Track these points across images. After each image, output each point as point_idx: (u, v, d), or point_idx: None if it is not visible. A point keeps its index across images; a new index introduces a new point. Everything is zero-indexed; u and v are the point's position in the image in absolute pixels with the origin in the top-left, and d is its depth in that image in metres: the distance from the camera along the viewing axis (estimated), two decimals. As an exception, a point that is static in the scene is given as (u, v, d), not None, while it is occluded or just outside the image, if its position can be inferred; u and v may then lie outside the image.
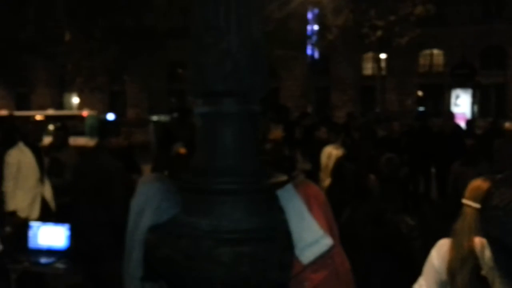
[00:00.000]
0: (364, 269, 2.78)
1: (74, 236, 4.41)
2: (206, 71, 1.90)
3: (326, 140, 6.31)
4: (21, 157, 5.06)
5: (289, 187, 1.82)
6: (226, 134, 1.90)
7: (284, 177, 1.90)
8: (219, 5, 1.88)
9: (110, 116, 20.32)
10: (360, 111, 20.89)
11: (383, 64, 24.63)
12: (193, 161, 1.97)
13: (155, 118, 24.24)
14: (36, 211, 5.07)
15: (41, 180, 5.16)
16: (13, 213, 4.89)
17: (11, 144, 5.34)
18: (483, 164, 5.41)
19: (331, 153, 4.53)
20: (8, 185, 4.92)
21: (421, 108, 26.09)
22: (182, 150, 5.72)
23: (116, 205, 4.10)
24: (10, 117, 11.28)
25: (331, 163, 4.36)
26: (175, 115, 8.43)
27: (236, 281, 1.66)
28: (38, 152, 5.20)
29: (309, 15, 20.07)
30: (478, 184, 1.43)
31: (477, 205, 1.38)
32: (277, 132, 5.77)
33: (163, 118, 22.59)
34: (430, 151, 7.89)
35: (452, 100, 19.12)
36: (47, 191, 5.24)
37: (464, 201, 1.46)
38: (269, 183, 1.87)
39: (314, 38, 20.50)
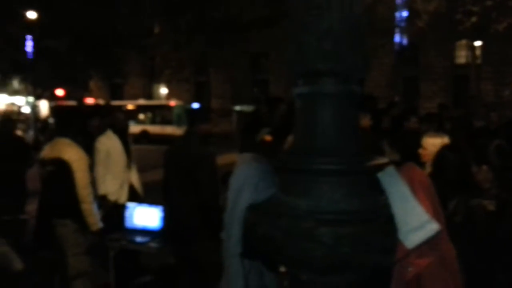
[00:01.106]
0: (485, 265, 2.62)
1: (166, 217, 4.60)
2: (306, 50, 1.88)
3: (416, 130, 6.05)
4: (109, 143, 5.27)
5: (392, 170, 1.76)
6: (326, 114, 1.86)
7: (385, 160, 1.84)
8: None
9: (195, 106, 21.03)
10: (451, 102, 19.78)
11: (478, 52, 23.09)
12: (293, 141, 1.96)
13: (238, 108, 24.72)
14: (124, 195, 5.27)
15: (128, 166, 5.37)
16: (104, 197, 5.11)
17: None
18: None
19: (434, 142, 4.31)
20: (98, 170, 5.11)
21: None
22: (268, 137, 5.75)
23: (205, 189, 4.20)
24: (107, 106, 12.03)
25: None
26: (261, 103, 8.49)
27: (336, 262, 1.63)
28: (125, 139, 5.39)
29: (398, 1, 19.28)
30: None
31: None
32: (364, 121, 5.61)
33: (246, 108, 22.98)
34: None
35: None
36: (134, 177, 5.46)
37: None
38: (370, 165, 1.81)
39: (403, 25, 19.66)
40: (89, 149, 4.70)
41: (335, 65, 1.86)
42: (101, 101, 23.07)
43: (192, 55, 24.78)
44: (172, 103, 25.31)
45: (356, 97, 1.93)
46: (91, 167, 4.53)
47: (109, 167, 5.20)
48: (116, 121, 5.46)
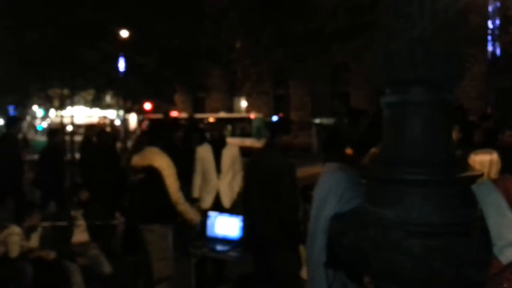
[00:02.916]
0: None
1: (246, 227, 4.66)
2: (396, 59, 1.85)
3: (511, 144, 5.68)
4: (202, 153, 5.63)
5: (487, 181, 1.68)
6: (415, 124, 1.82)
7: (479, 171, 1.76)
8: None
9: (275, 119, 21.19)
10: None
11: None
12: (380, 151, 1.93)
13: (317, 121, 24.58)
14: (209, 201, 5.55)
15: (217, 175, 5.57)
16: (195, 200, 5.47)
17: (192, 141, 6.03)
18: None
19: (482, 160, 4.04)
20: (194, 176, 5.58)
21: None
22: (349, 151, 5.67)
23: (284, 201, 4.23)
24: (190, 119, 12.55)
25: None
26: (342, 116, 8.41)
27: (426, 275, 1.58)
28: (219, 149, 5.62)
29: (490, 8, 18.21)
30: None
31: None
32: (453, 134, 5.35)
33: (326, 121, 22.77)
34: None
35: None
36: (223, 186, 5.61)
37: None
38: (462, 176, 1.74)
39: (496, 33, 18.51)
40: (174, 158, 4.95)
41: (425, 74, 1.82)
42: (184, 114, 23.99)
43: (272, 68, 25.05)
44: (252, 115, 25.71)
45: (448, 106, 1.86)
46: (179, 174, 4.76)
47: (203, 174, 5.58)
48: (211, 134, 5.99)
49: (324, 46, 21.15)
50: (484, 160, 4.36)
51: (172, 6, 20.82)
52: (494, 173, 4.30)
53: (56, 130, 11.55)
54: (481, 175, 1.74)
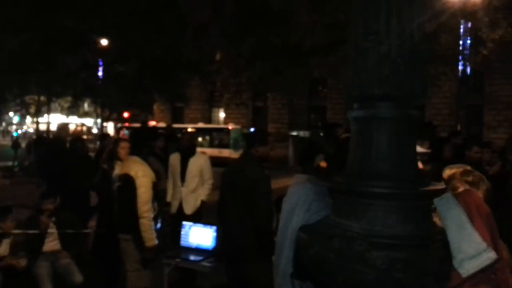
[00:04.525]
0: None
1: (220, 237, 4.65)
2: (364, 75, 1.91)
3: (478, 161, 5.83)
4: (172, 161, 5.90)
5: (448, 195, 1.73)
6: (382, 138, 1.87)
7: (442, 185, 1.81)
8: (379, 9, 1.88)
9: (253, 130, 21.28)
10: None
11: (547, 82, 21.99)
12: (347, 164, 1.97)
13: (294, 133, 24.80)
14: (174, 207, 5.78)
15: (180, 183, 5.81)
16: (168, 204, 5.70)
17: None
18: None
19: None
20: (169, 184, 5.78)
21: None
22: (323, 164, 5.74)
23: (259, 212, 4.24)
24: (169, 128, 12.50)
25: None
26: (318, 129, 8.56)
27: (388, 286, 1.62)
28: (186, 158, 5.85)
29: (461, 28, 18.78)
30: None
31: None
32: (423, 148, 5.48)
33: (302, 133, 22.99)
34: None
35: None
36: (185, 193, 5.80)
37: None
38: (426, 190, 1.79)
39: (467, 52, 19.10)
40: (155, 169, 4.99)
41: (392, 90, 1.88)
42: (163, 124, 23.90)
43: (251, 80, 25.22)
44: (230, 126, 25.78)
45: (413, 121, 1.92)
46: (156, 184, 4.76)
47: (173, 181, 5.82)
48: (180, 143, 6.11)
49: (303, 60, 21.44)
50: None
51: (153, 16, 20.83)
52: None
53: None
54: (444, 189, 1.80)
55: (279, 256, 1.93)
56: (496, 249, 1.63)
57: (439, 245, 1.67)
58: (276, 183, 5.94)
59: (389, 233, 1.70)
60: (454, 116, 23.06)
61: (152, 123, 27.29)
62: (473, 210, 1.68)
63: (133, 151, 4.73)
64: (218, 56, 25.93)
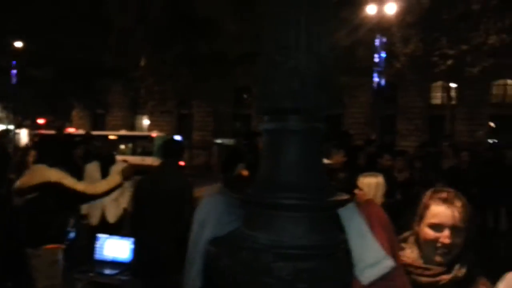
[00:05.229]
0: None
1: (137, 249, 4.54)
2: (274, 88, 1.94)
3: (389, 168, 6.17)
4: (89, 170, 5.78)
5: (351, 205, 1.80)
6: (291, 150, 1.91)
7: (346, 196, 1.88)
8: (289, 25, 1.92)
9: (177, 138, 21.05)
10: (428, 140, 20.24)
11: (453, 94, 23.88)
12: (257, 175, 1.99)
13: (219, 141, 24.83)
14: (95, 218, 5.69)
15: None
16: (84, 216, 5.54)
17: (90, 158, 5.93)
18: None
19: (369, 182, 4.42)
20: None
21: (493, 140, 24.96)
22: (245, 172, 5.80)
23: (184, 221, 4.21)
24: (87, 136, 12.00)
25: None
26: (241, 138, 8.67)
27: (294, 297, 1.64)
28: (106, 167, 5.71)
29: (377, 43, 19.88)
30: None
31: None
32: (338, 157, 5.70)
33: (227, 141, 23.09)
34: (501, 184, 7.48)
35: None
36: (108, 202, 5.65)
37: None
38: (332, 201, 1.85)
39: (381, 65, 20.25)
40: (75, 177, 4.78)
41: (301, 103, 1.92)
42: (81, 131, 22.94)
43: (176, 88, 24.96)
44: (154, 134, 25.30)
45: (320, 134, 1.98)
46: None
47: None
48: (96, 150, 6.08)
49: (228, 69, 21.59)
50: (371, 183, 4.68)
51: (75, 18, 19.99)
52: (380, 195, 4.65)
53: None
54: (349, 199, 1.86)
55: (189, 270, 1.90)
56: (394, 256, 1.71)
57: (343, 254, 1.73)
58: (200, 191, 5.92)
59: (295, 243, 1.74)
60: (370, 125, 24.32)
61: (71, 130, 26.13)
62: (374, 220, 1.75)
63: (39, 160, 4.52)
64: (142, 62, 25.41)
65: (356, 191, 4.00)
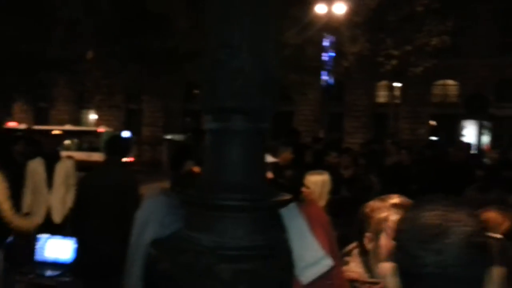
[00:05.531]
0: None
1: (80, 250, 4.41)
2: (218, 88, 1.92)
3: (335, 165, 6.32)
4: (33, 167, 5.31)
5: (293, 206, 1.82)
6: (233, 150, 1.90)
7: (288, 196, 1.90)
8: (233, 24, 1.91)
9: (126, 134, 20.56)
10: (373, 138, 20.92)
11: (397, 93, 24.79)
12: (200, 176, 1.98)
13: (169, 137, 24.50)
14: (40, 217, 5.29)
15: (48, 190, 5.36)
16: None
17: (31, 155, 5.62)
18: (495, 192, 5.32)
19: (316, 180, 4.52)
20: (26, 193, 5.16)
21: (434, 138, 26.16)
22: (196, 169, 5.76)
23: (130, 220, 4.12)
24: (28, 130, 11.50)
25: None
26: (190, 134, 8.56)
27: (235, 298, 1.64)
28: (51, 163, 5.40)
29: (326, 42, 20.27)
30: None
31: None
32: (286, 154, 5.77)
33: (177, 137, 22.82)
34: (440, 181, 7.81)
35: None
36: (54, 201, 5.40)
37: None
38: (273, 201, 1.86)
39: (330, 64, 20.68)
40: (14, 174, 4.55)
41: (244, 103, 1.92)
42: (23, 125, 21.91)
43: (125, 82, 24.37)
44: (100, 129, 24.61)
45: (264, 134, 1.99)
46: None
47: (34, 189, 5.25)
48: (43, 146, 5.63)
49: (178, 64, 21.29)
50: (317, 180, 4.76)
51: (16, 6, 19.02)
52: (326, 192, 4.72)
53: None
54: (290, 200, 1.88)
55: (130, 273, 1.85)
56: (334, 256, 1.75)
57: (284, 254, 1.74)
58: (146, 188, 5.82)
59: (236, 245, 1.73)
60: (319, 122, 24.81)
61: (12, 124, 24.94)
62: (314, 220, 1.78)
63: None
64: (89, 55, 24.60)
65: (303, 189, 4.05)
